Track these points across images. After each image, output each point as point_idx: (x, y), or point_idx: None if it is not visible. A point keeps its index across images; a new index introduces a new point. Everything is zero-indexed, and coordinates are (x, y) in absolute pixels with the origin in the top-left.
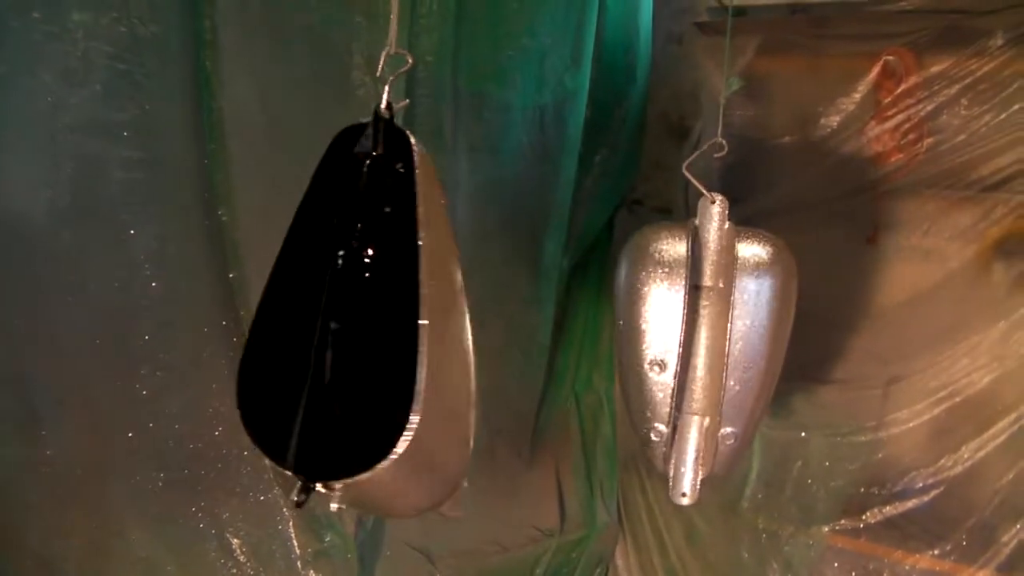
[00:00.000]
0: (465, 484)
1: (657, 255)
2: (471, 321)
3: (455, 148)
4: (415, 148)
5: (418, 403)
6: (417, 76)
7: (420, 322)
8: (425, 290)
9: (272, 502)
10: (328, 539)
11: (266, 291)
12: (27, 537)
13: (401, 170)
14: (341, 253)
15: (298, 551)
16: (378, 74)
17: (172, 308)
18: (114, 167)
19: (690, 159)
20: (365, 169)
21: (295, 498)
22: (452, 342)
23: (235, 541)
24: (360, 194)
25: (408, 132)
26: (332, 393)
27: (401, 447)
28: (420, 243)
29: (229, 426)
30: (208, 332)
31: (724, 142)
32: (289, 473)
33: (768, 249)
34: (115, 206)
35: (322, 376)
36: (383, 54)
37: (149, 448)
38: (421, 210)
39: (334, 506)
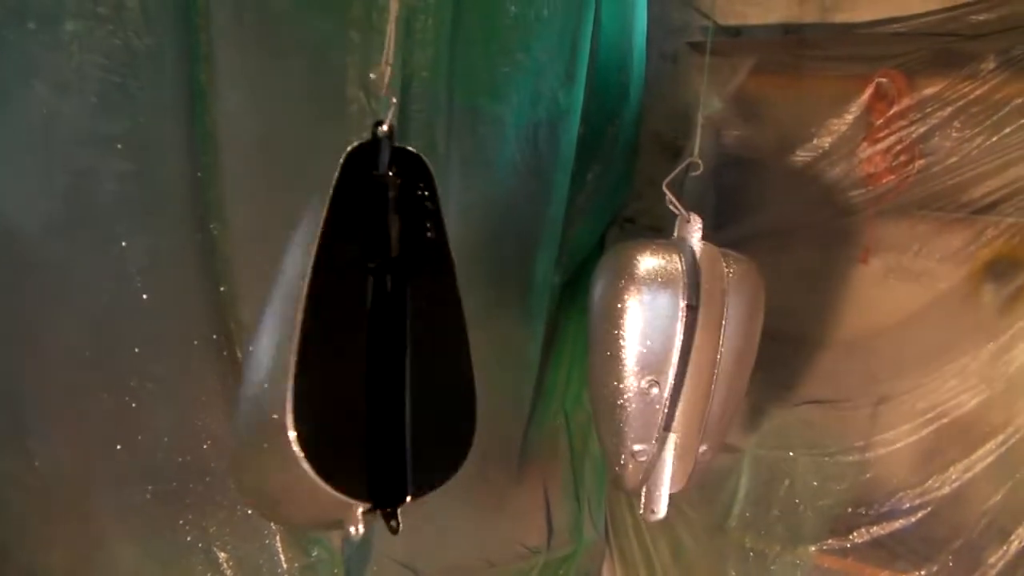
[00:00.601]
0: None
1: (637, 272)
2: None
3: (448, 163)
4: (432, 171)
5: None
6: (412, 91)
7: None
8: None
9: (259, 516)
10: (315, 554)
11: (305, 322)
12: (14, 550)
13: (426, 193)
14: (372, 278)
15: (285, 565)
16: (383, 94)
17: (162, 321)
18: (106, 179)
19: (670, 176)
20: (391, 192)
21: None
22: None
23: (222, 555)
24: (389, 217)
25: (422, 156)
26: (394, 419)
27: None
28: (454, 262)
29: (217, 440)
30: (198, 345)
31: (700, 162)
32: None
33: (738, 268)
34: (107, 218)
35: (379, 404)
36: (385, 72)
37: (137, 461)
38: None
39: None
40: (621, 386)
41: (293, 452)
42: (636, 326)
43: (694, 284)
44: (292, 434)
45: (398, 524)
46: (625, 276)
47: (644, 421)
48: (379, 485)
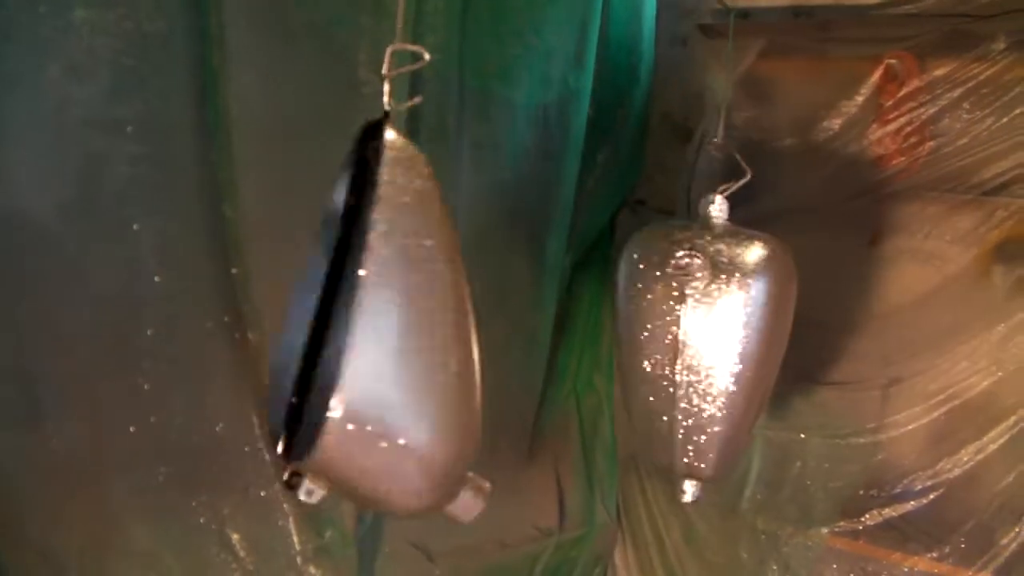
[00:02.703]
0: (487, 486)
1: (659, 253)
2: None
3: (459, 146)
4: (386, 143)
5: (341, 389)
6: (422, 73)
7: (353, 313)
8: (364, 280)
9: (272, 498)
10: (328, 535)
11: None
12: (28, 530)
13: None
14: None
15: (298, 547)
16: (384, 71)
17: (175, 303)
18: (119, 162)
19: (696, 159)
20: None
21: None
22: (425, 339)
23: (235, 536)
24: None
25: (385, 126)
26: (309, 379)
27: (328, 430)
28: (367, 239)
29: (230, 421)
30: (211, 327)
31: (723, 143)
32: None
33: (766, 250)
34: (119, 201)
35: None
36: (388, 51)
37: (150, 442)
38: (375, 208)
39: (303, 494)
40: (639, 366)
41: None
42: (651, 308)
43: (701, 265)
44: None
45: (292, 480)
46: (638, 257)
47: (668, 400)
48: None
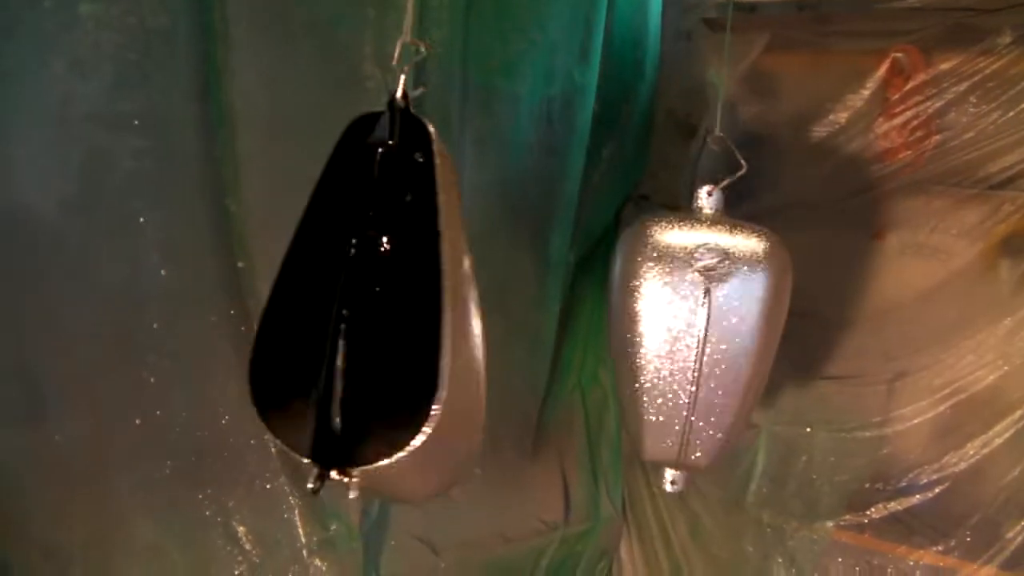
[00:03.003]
0: (478, 471)
1: (654, 245)
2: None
3: (463, 140)
4: (434, 137)
5: (442, 393)
6: (427, 68)
7: (444, 312)
8: (447, 281)
9: (278, 490)
10: (333, 528)
11: (278, 279)
12: (32, 526)
13: (420, 159)
14: (354, 241)
15: (303, 539)
16: (394, 63)
17: (179, 297)
18: (123, 156)
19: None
20: (378, 158)
21: (310, 485)
22: (466, 331)
23: (240, 529)
24: (374, 182)
25: (427, 121)
26: (350, 380)
27: (423, 437)
28: (441, 232)
29: (235, 415)
30: (215, 321)
31: (721, 136)
32: (305, 461)
33: (761, 244)
34: (124, 195)
35: (335, 363)
36: (399, 43)
37: (155, 437)
38: (442, 199)
39: (352, 494)
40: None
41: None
42: (649, 298)
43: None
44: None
45: (320, 487)
46: (634, 249)
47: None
48: (331, 446)
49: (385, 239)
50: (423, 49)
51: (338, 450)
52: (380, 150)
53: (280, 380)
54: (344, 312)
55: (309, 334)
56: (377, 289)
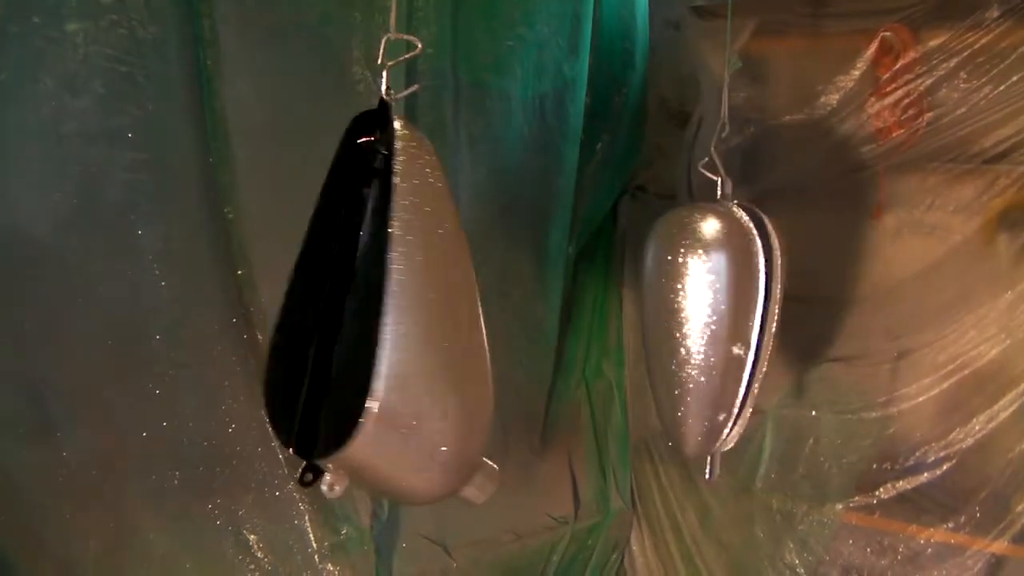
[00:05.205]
0: (496, 468)
1: (695, 236)
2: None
3: (457, 139)
4: (396, 132)
5: (377, 388)
6: (417, 68)
7: (384, 312)
8: (397, 275)
9: (287, 497)
10: (344, 532)
11: (289, 288)
12: (44, 539)
13: (384, 153)
14: (340, 243)
15: (315, 545)
16: (379, 61)
17: (182, 307)
18: (119, 169)
19: (714, 142)
20: (366, 158)
21: (299, 478)
22: (419, 328)
23: (252, 537)
24: (356, 183)
25: (394, 116)
26: (325, 376)
27: (359, 429)
28: (390, 230)
29: (242, 423)
30: (218, 329)
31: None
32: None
33: (770, 226)
34: (121, 208)
35: (320, 361)
36: (383, 40)
37: (164, 447)
38: (397, 198)
39: (329, 489)
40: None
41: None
42: (694, 291)
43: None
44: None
45: (309, 478)
46: (672, 241)
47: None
48: (310, 439)
49: (362, 238)
50: (415, 43)
51: (314, 442)
52: (361, 149)
53: (282, 382)
54: (322, 312)
55: (305, 337)
56: (354, 289)
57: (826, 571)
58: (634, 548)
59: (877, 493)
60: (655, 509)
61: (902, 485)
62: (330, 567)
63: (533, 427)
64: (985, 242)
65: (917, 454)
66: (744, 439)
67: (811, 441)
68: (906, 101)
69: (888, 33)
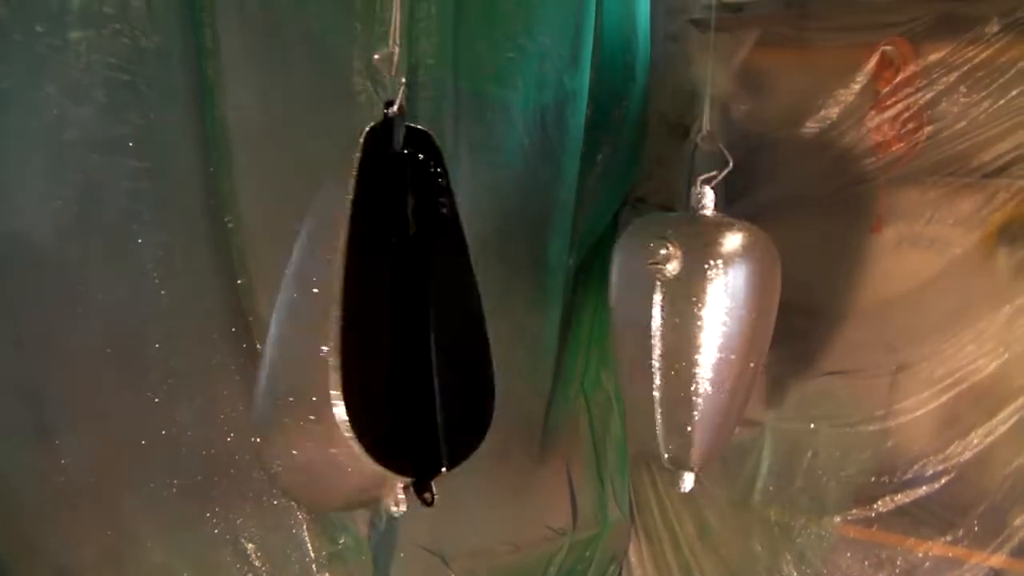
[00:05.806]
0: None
1: (639, 246)
2: None
3: (457, 149)
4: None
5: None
6: (418, 79)
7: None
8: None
9: (285, 506)
10: (342, 541)
11: (344, 304)
12: (43, 546)
13: (438, 170)
14: (401, 254)
15: (312, 554)
16: (392, 74)
17: (181, 316)
18: (120, 177)
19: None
20: (409, 169)
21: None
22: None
23: (250, 546)
24: (406, 194)
25: (431, 133)
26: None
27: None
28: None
29: (240, 432)
30: (217, 339)
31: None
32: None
33: (745, 238)
34: (122, 216)
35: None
36: (392, 54)
37: (162, 456)
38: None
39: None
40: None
41: (339, 431)
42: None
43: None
44: (341, 412)
45: (433, 496)
46: (630, 253)
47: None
48: (413, 460)
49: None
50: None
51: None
52: (406, 161)
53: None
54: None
55: (374, 353)
56: (436, 306)
57: None
58: (632, 559)
59: (875, 506)
60: (653, 520)
61: (900, 498)
62: None
63: (532, 438)
64: (984, 256)
65: (915, 467)
66: (742, 452)
67: (809, 454)
68: (906, 115)
69: (888, 47)
